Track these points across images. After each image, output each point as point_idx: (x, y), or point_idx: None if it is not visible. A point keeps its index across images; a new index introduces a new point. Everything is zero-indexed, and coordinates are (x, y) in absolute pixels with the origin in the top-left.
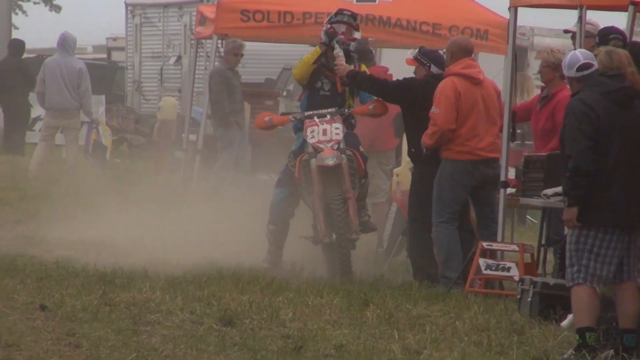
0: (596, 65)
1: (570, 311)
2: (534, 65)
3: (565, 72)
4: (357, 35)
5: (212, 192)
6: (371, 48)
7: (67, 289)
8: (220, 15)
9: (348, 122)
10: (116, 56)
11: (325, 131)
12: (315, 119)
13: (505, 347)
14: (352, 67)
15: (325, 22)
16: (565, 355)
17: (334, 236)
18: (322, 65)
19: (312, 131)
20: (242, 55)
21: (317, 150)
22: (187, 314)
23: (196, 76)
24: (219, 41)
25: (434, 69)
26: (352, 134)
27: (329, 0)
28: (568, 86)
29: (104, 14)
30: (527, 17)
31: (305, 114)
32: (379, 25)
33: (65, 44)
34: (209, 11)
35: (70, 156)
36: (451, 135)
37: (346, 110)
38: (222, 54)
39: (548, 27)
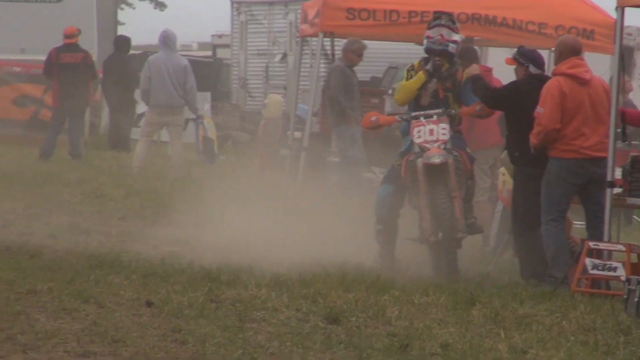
0: None
1: None
2: None
3: None
4: (457, 37)
5: (346, 187)
6: (476, 47)
7: (173, 286)
8: (325, 13)
9: (454, 124)
10: (221, 53)
11: (432, 131)
12: (422, 119)
13: (612, 347)
14: (476, 68)
15: (426, 29)
16: None
17: (440, 235)
18: (432, 74)
19: (419, 131)
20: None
21: (423, 150)
22: (293, 312)
23: (301, 74)
24: (325, 39)
25: (532, 69)
26: (459, 135)
27: None
28: None
29: (210, 11)
30: (634, 17)
31: (412, 114)
32: (484, 24)
33: (168, 41)
34: (314, 9)
35: (175, 153)
36: (556, 135)
37: (453, 111)
38: (342, 52)
39: None
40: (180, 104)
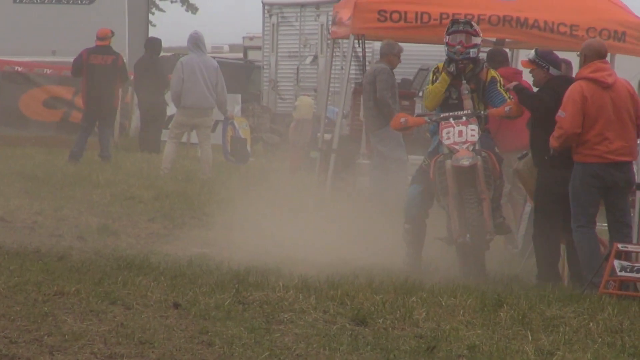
0: None
1: None
2: None
3: None
4: (478, 39)
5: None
6: (507, 49)
7: (201, 287)
8: (357, 15)
9: (482, 125)
10: (252, 55)
11: (461, 132)
12: (451, 120)
13: (639, 349)
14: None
15: (445, 34)
16: None
17: (468, 237)
18: (456, 76)
19: (448, 132)
20: None
21: (452, 152)
22: (320, 313)
23: (332, 76)
24: (356, 41)
25: (552, 71)
26: (487, 135)
27: (468, 0)
28: None
29: (241, 13)
30: None
31: (441, 115)
32: (516, 26)
33: (199, 42)
34: (346, 10)
35: (204, 154)
36: (577, 139)
37: (482, 112)
38: (381, 54)
39: None
40: (211, 105)
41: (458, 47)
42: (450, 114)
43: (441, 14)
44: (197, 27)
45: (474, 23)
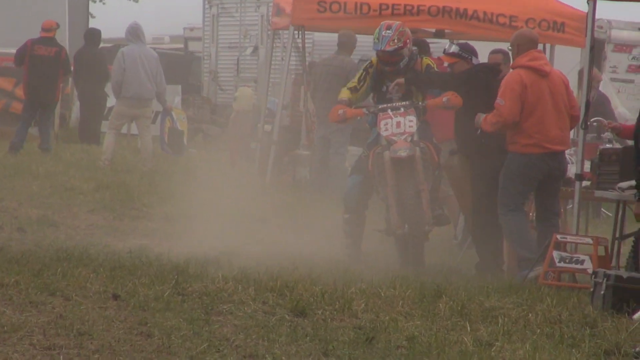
0: None
1: None
2: (610, 58)
3: None
4: (406, 51)
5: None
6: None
7: (140, 279)
8: (297, 6)
9: (421, 116)
10: (193, 46)
11: (399, 124)
12: (389, 111)
13: (578, 339)
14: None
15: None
16: (638, 349)
17: (407, 228)
18: (382, 72)
19: (386, 124)
20: None
21: (390, 143)
22: (259, 304)
23: (272, 67)
24: (296, 32)
25: (475, 61)
26: (426, 126)
27: None
28: None
29: (182, 4)
30: (605, 10)
31: (379, 106)
32: (455, 17)
33: (139, 33)
34: (286, 2)
35: (144, 145)
36: (514, 128)
37: (420, 102)
38: (342, 45)
39: (626, 19)
40: (151, 96)
41: (387, 67)
42: (389, 105)
43: (380, 5)
44: (138, 18)
45: (397, 32)
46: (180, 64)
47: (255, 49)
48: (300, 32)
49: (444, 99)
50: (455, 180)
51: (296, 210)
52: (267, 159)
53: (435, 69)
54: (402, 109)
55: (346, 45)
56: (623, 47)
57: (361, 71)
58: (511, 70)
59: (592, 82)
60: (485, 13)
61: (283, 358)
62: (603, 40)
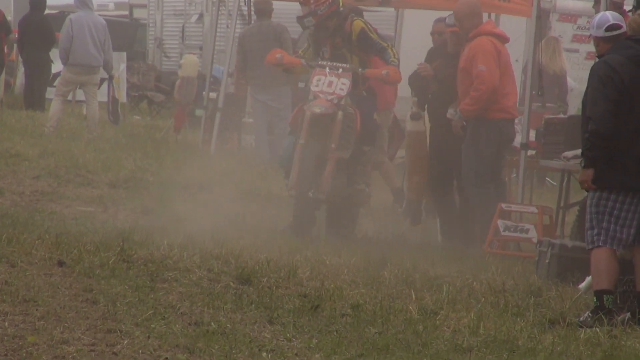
0: (624, 27)
1: (587, 274)
2: (556, 27)
3: (593, 32)
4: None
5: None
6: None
7: (86, 245)
8: None
9: (360, 83)
10: (138, 13)
11: (331, 83)
12: (326, 69)
13: (522, 308)
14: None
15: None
16: (582, 318)
17: (311, 193)
18: (316, 37)
19: (319, 80)
20: None
21: (315, 99)
22: (204, 272)
23: (217, 34)
24: None
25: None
26: (370, 98)
27: None
28: (595, 46)
29: None
30: None
31: (319, 62)
32: None
33: (86, 0)
34: None
35: (90, 112)
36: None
37: (360, 69)
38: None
39: None
40: (99, 63)
41: (310, 18)
42: (328, 63)
43: None
44: None
45: None
46: (126, 31)
47: (201, 16)
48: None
49: (384, 72)
50: (417, 146)
51: (241, 178)
52: (212, 126)
53: (373, 36)
54: (340, 70)
55: (265, 11)
56: (568, 16)
57: (307, 39)
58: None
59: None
60: None
61: (228, 325)
62: (548, 10)
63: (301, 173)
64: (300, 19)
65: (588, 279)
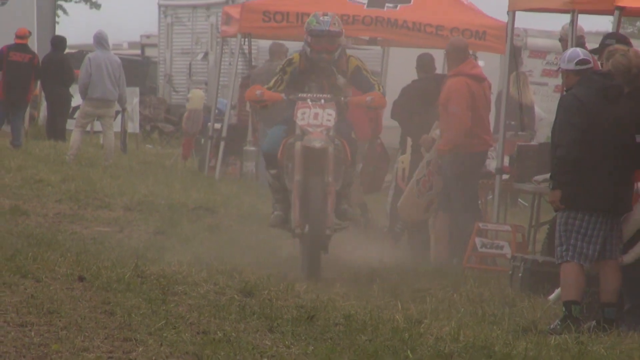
0: (592, 63)
1: (556, 286)
2: (527, 63)
3: (564, 65)
4: (341, 39)
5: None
6: (380, 47)
7: (103, 262)
8: (244, 16)
9: (343, 112)
10: (149, 52)
11: (317, 115)
12: (309, 101)
13: (498, 317)
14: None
15: (305, 30)
16: (552, 326)
17: (307, 228)
18: (306, 71)
19: (304, 113)
20: None
21: (304, 133)
22: (211, 286)
23: (221, 71)
24: (243, 39)
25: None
26: (345, 121)
27: (341, 3)
28: (563, 79)
29: (139, 13)
30: (521, 20)
31: (299, 95)
32: (387, 26)
33: (103, 40)
34: (234, 12)
35: (107, 142)
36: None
37: (342, 98)
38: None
39: (540, 28)
40: (114, 97)
41: (324, 55)
42: (309, 95)
43: None
44: (99, 25)
45: (336, 18)
46: (138, 68)
47: (206, 54)
48: (246, 39)
49: (368, 98)
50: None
51: (243, 201)
52: (217, 154)
53: (365, 74)
54: (322, 101)
55: (278, 53)
56: (538, 53)
57: (277, 73)
58: (451, 76)
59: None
60: (414, 23)
61: (233, 334)
62: (520, 47)
63: (302, 210)
64: (314, 54)
65: (557, 291)
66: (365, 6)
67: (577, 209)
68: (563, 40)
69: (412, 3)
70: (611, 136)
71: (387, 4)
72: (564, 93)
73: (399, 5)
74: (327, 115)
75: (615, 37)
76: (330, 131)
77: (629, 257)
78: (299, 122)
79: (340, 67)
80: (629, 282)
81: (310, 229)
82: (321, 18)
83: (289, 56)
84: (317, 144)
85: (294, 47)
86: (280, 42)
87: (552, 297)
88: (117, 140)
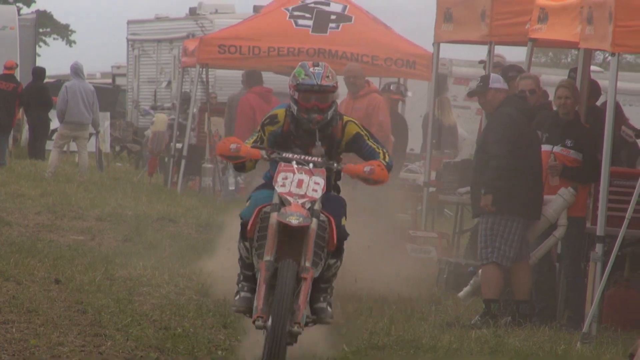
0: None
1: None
2: (452, 89)
3: (493, 85)
4: (334, 95)
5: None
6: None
7: (77, 267)
8: (201, 48)
9: (333, 181)
10: (119, 81)
11: (301, 183)
12: (294, 164)
13: (426, 314)
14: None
15: (291, 86)
16: (473, 321)
17: (270, 322)
18: (290, 134)
19: (285, 178)
20: None
21: (283, 202)
22: (172, 287)
23: (182, 97)
24: (201, 69)
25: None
26: (338, 198)
27: (290, 35)
28: (487, 98)
29: (110, 47)
30: (447, 51)
31: (284, 154)
32: (328, 57)
33: (79, 71)
34: (193, 45)
35: (82, 160)
36: None
37: (335, 164)
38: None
39: (464, 58)
40: (88, 121)
41: (314, 115)
42: (296, 156)
43: (269, 48)
44: (75, 58)
45: (329, 70)
46: (110, 95)
47: (169, 82)
48: (204, 69)
49: (366, 168)
50: None
51: (201, 212)
52: (178, 171)
53: (370, 142)
54: (310, 165)
55: (254, 80)
56: (461, 80)
57: (257, 131)
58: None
59: (448, 108)
60: (352, 53)
61: (191, 329)
62: (445, 75)
63: (268, 298)
64: (302, 113)
65: (465, 288)
66: (310, 30)
67: (501, 214)
68: (481, 62)
69: (353, 22)
70: (532, 149)
71: (330, 24)
72: (495, 111)
73: (340, 25)
74: (314, 185)
75: (516, 69)
76: (316, 204)
77: (534, 258)
78: (278, 189)
79: (334, 134)
80: (537, 285)
81: (273, 323)
82: (310, 70)
83: (272, 112)
84: (294, 221)
85: (268, 76)
86: (253, 70)
87: (460, 294)
88: (91, 160)
